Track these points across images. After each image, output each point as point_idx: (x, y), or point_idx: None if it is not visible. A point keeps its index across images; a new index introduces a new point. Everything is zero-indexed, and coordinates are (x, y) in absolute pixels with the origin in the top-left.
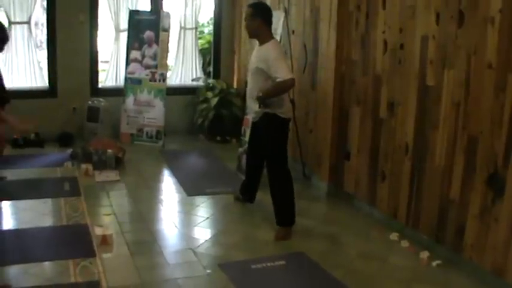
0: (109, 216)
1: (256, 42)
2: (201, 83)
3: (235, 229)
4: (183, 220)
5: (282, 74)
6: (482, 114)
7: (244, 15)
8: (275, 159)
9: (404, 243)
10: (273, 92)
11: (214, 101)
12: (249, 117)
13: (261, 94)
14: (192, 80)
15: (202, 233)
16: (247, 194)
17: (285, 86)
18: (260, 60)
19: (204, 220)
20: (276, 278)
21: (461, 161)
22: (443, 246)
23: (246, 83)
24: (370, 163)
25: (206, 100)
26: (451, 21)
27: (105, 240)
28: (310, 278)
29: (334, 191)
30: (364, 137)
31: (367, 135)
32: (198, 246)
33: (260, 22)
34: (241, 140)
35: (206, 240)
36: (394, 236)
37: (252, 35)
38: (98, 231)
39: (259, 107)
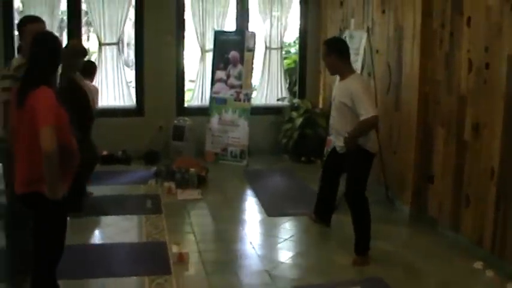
0: (188, 234)
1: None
2: (286, 102)
3: (312, 252)
4: (262, 241)
5: (366, 111)
6: None
7: (321, 54)
8: (357, 190)
9: (489, 273)
10: (358, 132)
11: (299, 121)
12: (332, 139)
13: (347, 135)
14: (277, 100)
15: (280, 254)
16: (322, 215)
17: (369, 125)
18: (343, 96)
19: (282, 242)
20: None
21: None
22: None
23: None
24: (454, 187)
25: (291, 120)
26: None
27: (181, 258)
28: None
29: (417, 215)
30: (448, 159)
31: (451, 157)
32: (274, 268)
33: (336, 58)
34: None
35: (283, 263)
36: (478, 264)
37: (332, 71)
38: (174, 248)
39: (346, 146)
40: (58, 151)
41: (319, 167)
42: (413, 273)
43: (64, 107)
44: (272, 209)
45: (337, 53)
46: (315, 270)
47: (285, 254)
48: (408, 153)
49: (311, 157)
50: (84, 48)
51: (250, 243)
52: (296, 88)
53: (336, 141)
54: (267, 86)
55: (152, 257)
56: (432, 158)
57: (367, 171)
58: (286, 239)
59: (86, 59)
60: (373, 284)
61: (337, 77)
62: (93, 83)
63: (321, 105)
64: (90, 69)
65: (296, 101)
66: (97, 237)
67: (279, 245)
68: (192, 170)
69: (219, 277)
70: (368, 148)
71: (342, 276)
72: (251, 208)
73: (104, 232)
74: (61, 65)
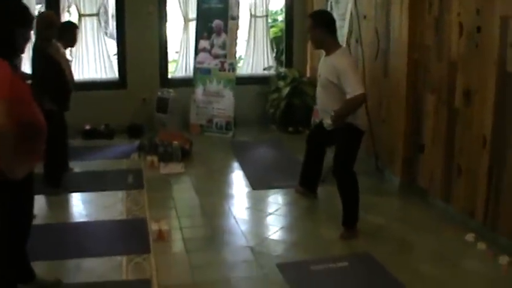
0: (170, 210)
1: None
2: (272, 72)
3: (298, 226)
4: (246, 215)
5: (352, 89)
6: None
7: (306, 27)
8: (344, 166)
9: (481, 246)
10: (345, 111)
11: (286, 90)
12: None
13: (333, 114)
14: (264, 69)
15: (264, 229)
16: (308, 185)
17: (356, 103)
18: (329, 72)
19: (267, 216)
20: (336, 281)
21: None
22: None
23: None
24: (445, 156)
25: (278, 89)
26: None
27: (161, 236)
28: (373, 282)
29: (407, 186)
30: (438, 128)
31: (442, 126)
32: (258, 244)
33: (322, 32)
34: None
35: (266, 238)
36: (470, 236)
37: (317, 46)
38: (154, 226)
39: (333, 124)
40: (14, 126)
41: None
42: (403, 246)
43: (25, 80)
44: (258, 182)
45: (323, 26)
46: (301, 245)
47: (270, 228)
48: (398, 122)
49: (299, 127)
50: (55, 19)
51: (234, 218)
52: (283, 57)
53: (323, 117)
54: (252, 55)
55: (131, 235)
56: (422, 127)
57: (355, 149)
58: (271, 213)
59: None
60: (360, 259)
61: (323, 53)
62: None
63: (308, 74)
64: (70, 32)
65: (283, 70)
66: (75, 215)
67: (264, 220)
68: (175, 143)
69: (201, 255)
70: (357, 125)
71: (329, 251)
72: (236, 181)
73: (83, 209)
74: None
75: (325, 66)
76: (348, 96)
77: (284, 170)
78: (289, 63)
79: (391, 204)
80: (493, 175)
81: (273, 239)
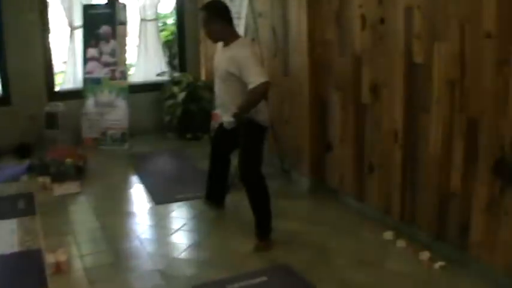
0: (67, 236)
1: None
2: (166, 77)
3: (208, 242)
4: (151, 235)
5: (255, 78)
6: (482, 93)
7: (200, 21)
8: (252, 169)
9: (401, 243)
10: (249, 104)
11: (182, 95)
12: (218, 113)
13: (237, 111)
14: (157, 75)
15: (172, 249)
16: (215, 198)
17: (260, 93)
18: (229, 64)
19: (173, 233)
20: None
21: (461, 147)
22: (445, 245)
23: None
24: (355, 154)
25: (173, 95)
26: None
27: (59, 268)
28: None
29: (317, 187)
30: (346, 125)
31: (349, 123)
32: (168, 265)
33: (218, 22)
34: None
35: (176, 258)
36: (388, 235)
37: (215, 38)
38: (50, 258)
39: (236, 121)
40: None
41: (207, 142)
42: (322, 253)
43: None
44: (160, 196)
45: (219, 17)
46: (214, 262)
47: (179, 247)
48: (302, 121)
49: (197, 133)
50: None
51: (138, 238)
52: (176, 61)
53: (224, 116)
54: (144, 61)
55: (25, 271)
56: (329, 125)
57: (260, 147)
58: (178, 229)
59: None
60: (279, 272)
61: (219, 45)
62: None
63: (203, 78)
64: None
65: (177, 75)
66: None
67: (171, 238)
68: (68, 160)
69: (105, 285)
70: (258, 121)
71: (245, 267)
72: (137, 197)
73: None
74: None
75: (224, 57)
76: (251, 86)
77: (186, 180)
78: (183, 68)
79: (303, 207)
80: (407, 170)
81: (183, 259)
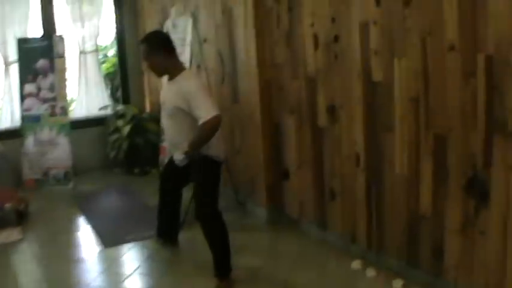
0: None
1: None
2: (109, 111)
3: (166, 286)
4: (102, 282)
5: (205, 111)
6: (449, 107)
7: (142, 54)
8: (208, 207)
9: (371, 272)
10: (201, 141)
11: (127, 129)
12: (166, 146)
13: (187, 149)
14: (99, 109)
15: None
16: (167, 235)
17: (212, 127)
18: (176, 98)
19: (126, 278)
20: None
21: (429, 166)
22: (418, 271)
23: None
24: (314, 180)
25: (117, 130)
26: (395, 0)
27: None
28: None
29: (276, 217)
30: (303, 150)
31: (306, 148)
32: None
33: (161, 55)
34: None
35: None
36: (356, 264)
37: (159, 73)
38: None
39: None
40: None
41: (155, 177)
42: None
43: None
44: (109, 238)
45: (160, 49)
46: None
47: None
48: (255, 149)
49: (145, 167)
50: None
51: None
52: (119, 94)
53: (174, 154)
54: (85, 95)
55: None
56: (284, 151)
57: (216, 184)
58: (131, 274)
59: None
60: None
61: (164, 79)
62: None
63: (148, 109)
64: None
65: (120, 107)
66: None
67: (124, 284)
68: (7, 205)
69: None
70: (212, 156)
71: None
72: (84, 240)
73: None
74: None
75: (171, 92)
76: (201, 121)
77: (136, 218)
78: (126, 100)
79: (263, 240)
80: (372, 194)
81: None
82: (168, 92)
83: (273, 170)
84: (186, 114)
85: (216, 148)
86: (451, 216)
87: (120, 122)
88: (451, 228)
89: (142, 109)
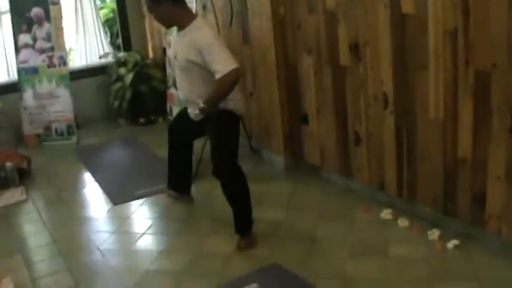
0: (15, 256)
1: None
2: (110, 59)
3: (182, 245)
4: (113, 244)
5: (223, 65)
6: (493, 40)
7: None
8: (228, 163)
9: (403, 222)
10: (219, 97)
11: (129, 77)
12: (174, 93)
13: (204, 106)
14: (100, 58)
15: (140, 259)
16: (180, 188)
17: (231, 82)
18: (189, 51)
19: (139, 238)
20: None
21: (469, 107)
22: (456, 221)
23: (174, 80)
24: (336, 125)
25: (120, 78)
26: None
27: None
28: None
29: (294, 165)
30: (323, 93)
31: (326, 90)
32: (138, 281)
33: (168, 5)
34: (168, 120)
35: (147, 271)
36: (386, 213)
37: (167, 24)
38: None
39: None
40: None
41: (162, 126)
42: (313, 245)
43: None
44: (118, 195)
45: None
46: (193, 271)
47: (147, 256)
48: (270, 93)
49: (151, 116)
50: None
51: (99, 250)
52: (119, 41)
53: (189, 109)
54: (84, 43)
55: None
56: (303, 94)
57: (236, 138)
58: (143, 234)
59: None
60: (271, 275)
61: (174, 29)
62: None
63: (151, 55)
64: None
65: (122, 55)
66: None
67: (137, 245)
68: (8, 164)
69: None
70: (232, 109)
71: (228, 273)
72: (92, 198)
73: None
74: None
75: (182, 44)
76: (218, 76)
77: (146, 171)
78: (127, 47)
79: (281, 190)
80: (403, 138)
81: (155, 271)
82: (179, 44)
83: (290, 115)
84: (201, 67)
85: (235, 101)
86: (495, 161)
87: (122, 70)
88: (494, 174)
89: (145, 55)
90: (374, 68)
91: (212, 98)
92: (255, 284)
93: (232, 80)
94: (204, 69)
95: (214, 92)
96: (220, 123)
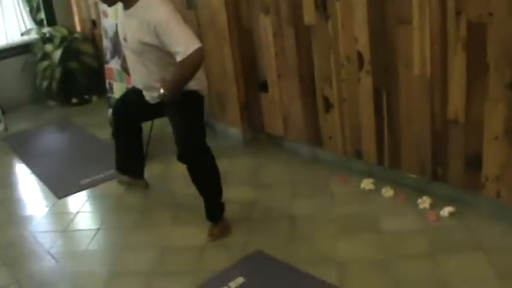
0: None
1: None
2: (34, 35)
3: (145, 241)
4: (63, 245)
5: (183, 45)
6: None
7: None
8: (195, 142)
9: (387, 191)
10: (181, 81)
11: (57, 54)
12: (113, 67)
13: (165, 92)
14: (22, 35)
15: (99, 262)
16: (132, 169)
17: (192, 66)
18: (141, 32)
19: (94, 236)
20: None
21: (461, 62)
22: (447, 186)
23: (125, 68)
24: (301, 90)
25: (46, 56)
26: None
27: None
28: None
29: (253, 137)
30: (284, 56)
31: (288, 53)
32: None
33: None
34: (108, 98)
35: (109, 276)
36: (367, 183)
37: (110, 1)
38: None
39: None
40: None
41: (99, 105)
42: (292, 225)
43: None
44: (61, 187)
45: None
46: (166, 269)
47: (107, 256)
48: (222, 61)
49: (84, 95)
50: None
51: (49, 254)
52: (42, 15)
53: (145, 93)
54: (3, 20)
55: None
56: (260, 60)
57: (201, 120)
58: (98, 229)
59: None
60: (254, 265)
61: (119, 8)
62: None
63: (79, 29)
64: None
65: (46, 30)
66: None
67: (93, 244)
68: None
69: None
70: (195, 90)
71: (207, 267)
72: (31, 194)
73: None
74: None
75: (132, 24)
76: (180, 58)
77: (89, 157)
78: (51, 21)
79: (244, 167)
80: (382, 100)
81: (119, 274)
82: (127, 24)
83: (246, 83)
84: (157, 49)
85: (198, 80)
86: (491, 121)
87: (48, 47)
88: (492, 134)
89: (72, 29)
90: (346, 25)
91: (174, 83)
92: (241, 278)
93: (196, 62)
94: (160, 51)
95: (176, 76)
96: (184, 106)
